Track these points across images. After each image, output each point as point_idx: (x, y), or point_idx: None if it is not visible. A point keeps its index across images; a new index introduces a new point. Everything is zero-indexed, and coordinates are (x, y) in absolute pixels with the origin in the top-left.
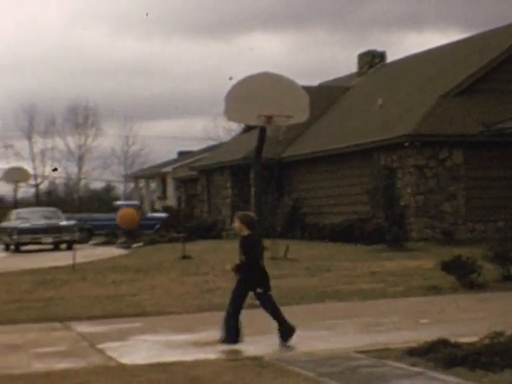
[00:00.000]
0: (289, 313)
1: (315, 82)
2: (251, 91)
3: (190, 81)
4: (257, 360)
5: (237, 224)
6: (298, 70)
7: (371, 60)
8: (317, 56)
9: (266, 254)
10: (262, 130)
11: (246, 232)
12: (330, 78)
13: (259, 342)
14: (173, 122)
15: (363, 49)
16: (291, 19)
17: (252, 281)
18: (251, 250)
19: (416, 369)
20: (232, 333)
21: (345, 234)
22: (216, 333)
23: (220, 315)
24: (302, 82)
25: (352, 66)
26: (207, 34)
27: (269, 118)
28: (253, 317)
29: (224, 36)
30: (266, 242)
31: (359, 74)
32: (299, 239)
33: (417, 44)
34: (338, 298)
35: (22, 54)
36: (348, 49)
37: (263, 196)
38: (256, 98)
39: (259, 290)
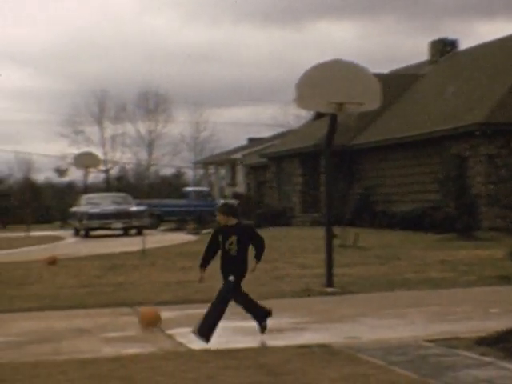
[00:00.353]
0: (358, 301)
1: (385, 70)
2: (322, 78)
3: (260, 67)
4: (326, 347)
5: (220, 216)
6: (368, 58)
7: (442, 48)
8: (387, 43)
9: (336, 242)
10: (333, 117)
11: (234, 221)
12: (400, 65)
13: (327, 329)
14: (243, 109)
15: (434, 36)
16: (361, 6)
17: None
18: (258, 234)
19: (486, 358)
20: (212, 330)
21: (415, 222)
22: (285, 320)
23: (289, 302)
24: (373, 69)
25: (423, 54)
26: (276, 21)
27: (340, 105)
28: (315, 305)
29: (293, 23)
30: (336, 230)
31: (430, 61)
32: (368, 227)
33: (488, 32)
34: (408, 286)
35: (94, 40)
36: (419, 36)
37: (333, 183)
38: (327, 85)
39: (231, 278)
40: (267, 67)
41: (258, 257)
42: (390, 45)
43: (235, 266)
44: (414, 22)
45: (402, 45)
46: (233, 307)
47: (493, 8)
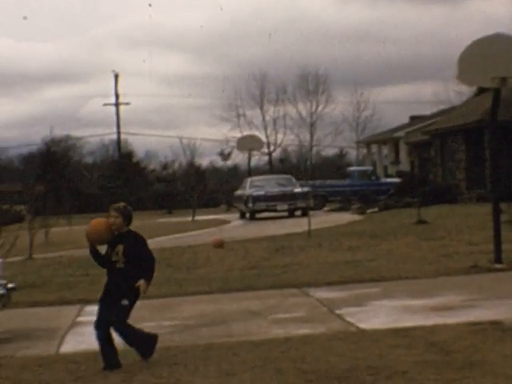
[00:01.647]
0: None
1: None
2: (484, 53)
3: (419, 45)
4: (497, 324)
5: (116, 219)
6: None
7: None
8: None
9: (503, 218)
10: (497, 92)
11: (125, 228)
12: None
13: (497, 306)
14: (403, 87)
15: None
16: None
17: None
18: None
19: None
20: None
21: None
22: (454, 297)
23: (457, 279)
24: None
25: None
26: None
27: (503, 80)
28: (483, 281)
29: None
30: (503, 206)
31: None
32: None
33: None
34: None
35: (251, 24)
36: None
37: (498, 158)
38: (489, 60)
39: (125, 303)
40: (426, 44)
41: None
42: None
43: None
44: None
45: None
46: (393, 285)
47: None
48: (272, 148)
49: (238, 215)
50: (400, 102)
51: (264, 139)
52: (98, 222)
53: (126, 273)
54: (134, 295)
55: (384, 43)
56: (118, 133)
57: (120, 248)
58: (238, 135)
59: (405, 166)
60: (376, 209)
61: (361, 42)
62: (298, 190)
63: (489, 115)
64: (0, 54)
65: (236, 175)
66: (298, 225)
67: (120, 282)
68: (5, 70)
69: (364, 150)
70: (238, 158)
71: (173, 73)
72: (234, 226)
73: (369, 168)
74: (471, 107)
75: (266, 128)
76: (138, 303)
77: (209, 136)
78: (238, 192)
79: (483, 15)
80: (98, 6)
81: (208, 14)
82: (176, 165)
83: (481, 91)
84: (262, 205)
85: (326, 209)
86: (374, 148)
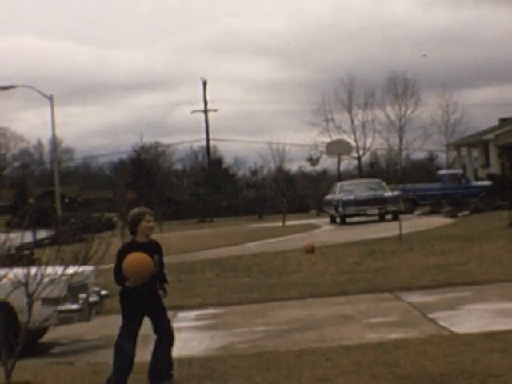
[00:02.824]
0: None
1: None
2: None
3: (505, 46)
4: None
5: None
6: None
7: None
8: None
9: None
10: None
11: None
12: None
13: None
14: (493, 89)
15: None
16: None
17: None
18: None
19: None
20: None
21: None
22: None
23: None
24: None
25: None
26: None
27: None
28: None
29: None
30: None
31: None
32: None
33: None
34: None
35: (337, 29)
36: None
37: None
38: None
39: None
40: None
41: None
42: None
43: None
44: None
45: None
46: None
47: None
48: (361, 152)
49: (328, 220)
50: (489, 104)
51: (353, 143)
52: (141, 257)
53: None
54: None
55: (470, 45)
56: (207, 139)
57: (156, 258)
58: (327, 140)
59: (495, 168)
60: (467, 212)
61: (447, 44)
62: (388, 194)
63: None
64: (89, 62)
65: (325, 180)
66: (389, 229)
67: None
68: (94, 78)
69: (453, 153)
70: (327, 163)
71: (260, 78)
72: (324, 231)
73: (459, 171)
74: None
75: (354, 132)
76: (231, 309)
77: (297, 141)
78: (328, 197)
79: None
80: (185, 13)
81: (295, 19)
82: (265, 170)
83: None
84: (353, 209)
85: (416, 213)
86: (464, 151)
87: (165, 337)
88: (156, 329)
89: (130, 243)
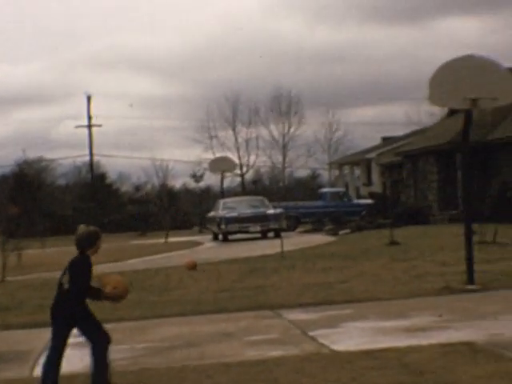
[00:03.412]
0: (500, 297)
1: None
2: (455, 74)
3: (388, 66)
4: (469, 345)
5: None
6: (496, 53)
7: None
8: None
9: (475, 238)
10: (468, 113)
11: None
12: None
13: (470, 327)
14: (375, 108)
15: None
16: (485, 1)
17: None
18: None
19: None
20: None
21: None
22: (427, 318)
23: (430, 300)
24: (504, 64)
25: None
26: (402, 19)
27: (474, 101)
28: (456, 302)
29: (419, 20)
30: (474, 226)
31: None
32: (507, 223)
33: None
34: None
35: (222, 46)
36: None
37: (470, 180)
38: (460, 81)
39: None
40: (396, 66)
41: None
42: None
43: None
44: None
45: None
46: (366, 306)
47: None
48: (244, 169)
49: (210, 237)
50: (372, 123)
51: (236, 161)
52: (119, 280)
53: None
54: None
55: (354, 64)
56: (91, 154)
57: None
58: (211, 157)
59: (377, 187)
60: (348, 230)
61: (332, 63)
62: (270, 211)
63: (460, 137)
64: None
65: (208, 197)
66: (271, 246)
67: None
68: None
69: (336, 172)
70: (211, 180)
71: (145, 94)
72: (206, 248)
73: (341, 189)
74: (443, 128)
75: (238, 149)
76: (112, 326)
77: (181, 158)
78: (211, 214)
79: (453, 36)
80: (70, 28)
81: (180, 36)
82: (149, 186)
83: (452, 112)
84: (235, 226)
85: (298, 230)
86: (346, 169)
87: None
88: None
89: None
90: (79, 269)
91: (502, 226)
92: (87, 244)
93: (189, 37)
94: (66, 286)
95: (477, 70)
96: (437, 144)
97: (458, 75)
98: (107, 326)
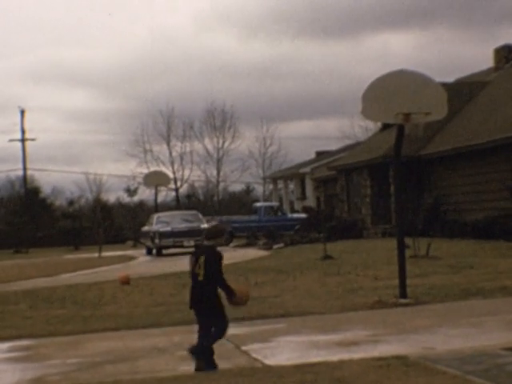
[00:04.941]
0: (433, 311)
1: (445, 79)
2: (388, 89)
3: (322, 81)
4: (402, 359)
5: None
6: (427, 68)
7: (508, 54)
8: (444, 53)
9: (408, 253)
10: (400, 128)
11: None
12: (461, 75)
13: (402, 341)
14: (309, 122)
15: (492, 44)
16: (416, 17)
17: None
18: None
19: None
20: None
21: (486, 230)
22: (359, 332)
23: (363, 314)
24: (435, 79)
25: (483, 62)
26: (334, 35)
27: (407, 116)
28: (389, 316)
29: (351, 35)
30: (407, 240)
31: (496, 68)
32: (440, 237)
33: None
34: (482, 295)
35: (157, 61)
36: (476, 44)
37: (403, 194)
38: (393, 96)
39: None
40: (329, 80)
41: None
42: (448, 54)
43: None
44: (469, 31)
45: (460, 54)
46: (299, 320)
47: None
48: (179, 184)
49: (144, 251)
50: (306, 137)
51: (171, 175)
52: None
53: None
54: None
55: (289, 79)
56: (24, 169)
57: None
58: (145, 171)
59: (311, 201)
60: (282, 244)
61: (266, 77)
62: (204, 225)
63: (393, 151)
64: None
65: (143, 211)
66: None
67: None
68: None
69: (270, 186)
70: (145, 194)
71: (79, 108)
72: (140, 263)
73: (275, 203)
74: (376, 143)
75: (172, 164)
76: (44, 341)
77: (115, 172)
78: (145, 228)
79: (384, 51)
80: (3, 40)
81: (114, 50)
82: (82, 201)
83: (385, 127)
84: (169, 241)
85: (232, 244)
86: (281, 183)
87: None
88: None
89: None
90: (220, 259)
91: (436, 240)
92: (218, 235)
93: (124, 51)
94: (201, 278)
95: (409, 85)
96: (370, 158)
97: (391, 90)
98: (39, 341)
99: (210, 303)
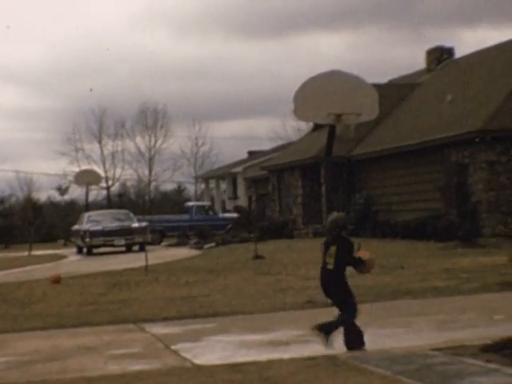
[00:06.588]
0: (362, 311)
1: (376, 80)
2: (320, 89)
3: (254, 81)
4: (331, 359)
5: None
6: (360, 69)
7: (440, 56)
8: (374, 55)
9: None
10: (332, 129)
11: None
12: (394, 76)
13: (333, 340)
14: (241, 122)
15: (422, 46)
16: (347, 18)
17: None
18: None
19: (491, 365)
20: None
21: (417, 231)
22: (289, 332)
23: (293, 314)
24: (368, 80)
25: (414, 64)
26: (265, 35)
27: (338, 116)
28: (319, 316)
29: (281, 36)
30: None
31: (428, 70)
32: (371, 237)
33: (473, 41)
34: (412, 295)
35: (90, 60)
36: (408, 46)
37: (334, 194)
38: (325, 97)
39: None
40: (261, 80)
41: None
42: (381, 56)
43: None
44: (399, 32)
45: (393, 55)
46: (229, 320)
47: (475, 16)
48: (110, 183)
49: (75, 250)
50: (238, 137)
51: (102, 174)
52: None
53: None
54: None
55: (221, 78)
56: None
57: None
58: (76, 169)
59: (243, 201)
60: (213, 244)
61: (198, 77)
62: (135, 224)
63: (324, 151)
64: None
65: (74, 210)
66: (136, 260)
67: None
68: None
69: (202, 185)
70: (76, 193)
71: (9, 106)
72: (71, 261)
73: (207, 203)
74: (308, 143)
75: (104, 162)
76: None
77: (46, 170)
78: (76, 227)
79: (315, 52)
80: None
81: (46, 48)
82: (13, 199)
83: (317, 127)
84: (100, 240)
85: (163, 244)
86: (213, 183)
87: None
88: None
89: None
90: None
91: (367, 240)
92: (342, 228)
93: (57, 50)
94: (330, 266)
95: (341, 86)
96: (302, 158)
97: (323, 90)
98: None
99: (339, 289)
